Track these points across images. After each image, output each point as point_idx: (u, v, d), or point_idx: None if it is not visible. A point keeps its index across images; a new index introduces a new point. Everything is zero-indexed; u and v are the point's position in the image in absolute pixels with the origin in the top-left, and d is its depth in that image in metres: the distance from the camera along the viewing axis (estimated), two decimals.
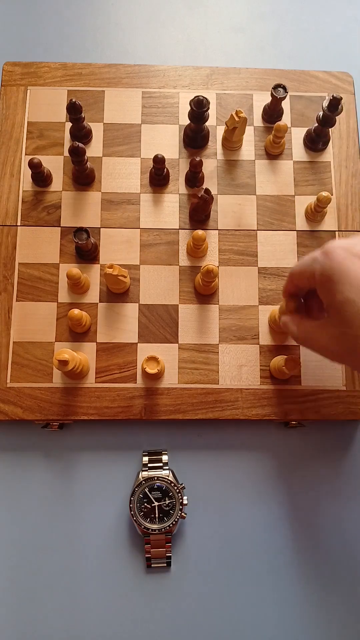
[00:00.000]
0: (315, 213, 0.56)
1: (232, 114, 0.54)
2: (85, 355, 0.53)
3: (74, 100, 0.53)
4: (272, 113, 0.59)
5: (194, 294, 0.55)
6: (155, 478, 0.51)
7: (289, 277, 0.48)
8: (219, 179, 0.58)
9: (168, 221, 0.57)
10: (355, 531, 0.54)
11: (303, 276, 0.45)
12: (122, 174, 0.58)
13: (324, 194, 0.53)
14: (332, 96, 0.53)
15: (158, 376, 0.53)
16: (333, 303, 0.41)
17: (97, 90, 0.60)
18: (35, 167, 0.54)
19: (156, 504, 0.50)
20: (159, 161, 0.54)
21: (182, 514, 0.50)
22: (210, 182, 0.58)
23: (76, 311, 0.51)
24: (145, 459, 0.52)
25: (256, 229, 0.57)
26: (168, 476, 0.51)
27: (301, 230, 0.57)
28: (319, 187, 0.58)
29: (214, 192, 0.57)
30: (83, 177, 0.56)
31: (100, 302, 0.55)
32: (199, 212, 0.55)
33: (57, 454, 0.55)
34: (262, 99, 0.60)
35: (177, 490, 0.50)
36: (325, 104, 0.54)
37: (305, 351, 0.54)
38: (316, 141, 0.58)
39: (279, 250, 0.57)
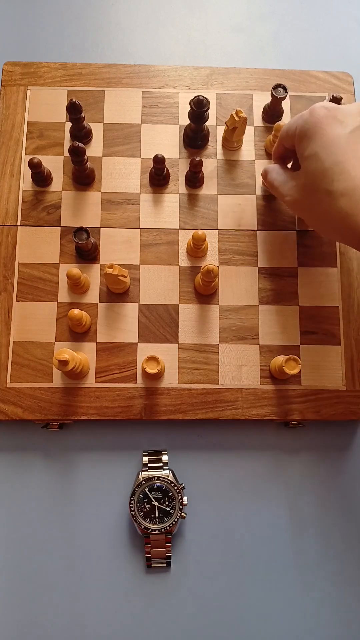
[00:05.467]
0: None
1: (232, 114, 0.54)
2: (85, 355, 0.53)
3: (74, 100, 0.53)
4: (272, 113, 0.59)
5: (194, 294, 0.55)
6: (155, 478, 0.51)
7: (279, 139, 0.51)
8: (219, 179, 0.58)
9: (168, 221, 0.57)
10: (355, 530, 0.54)
11: (289, 134, 0.48)
12: (122, 174, 0.58)
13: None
14: (332, 96, 0.53)
15: (158, 376, 0.53)
16: (302, 157, 0.46)
17: (97, 90, 0.60)
18: (35, 167, 0.54)
19: (156, 504, 0.50)
20: (159, 161, 0.54)
21: (182, 514, 0.50)
22: (210, 182, 0.58)
23: (76, 311, 0.51)
24: (145, 459, 0.52)
25: (256, 229, 0.57)
26: (168, 476, 0.51)
27: (301, 230, 0.57)
28: None
29: (213, 192, 0.58)
30: (83, 177, 0.56)
31: (100, 302, 0.55)
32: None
33: (57, 454, 0.55)
34: (262, 99, 0.60)
35: (177, 490, 0.50)
36: None
37: (306, 351, 0.54)
38: None
39: (279, 250, 0.57)
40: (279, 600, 0.52)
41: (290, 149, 0.50)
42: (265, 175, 0.53)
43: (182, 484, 0.51)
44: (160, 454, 0.52)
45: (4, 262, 0.55)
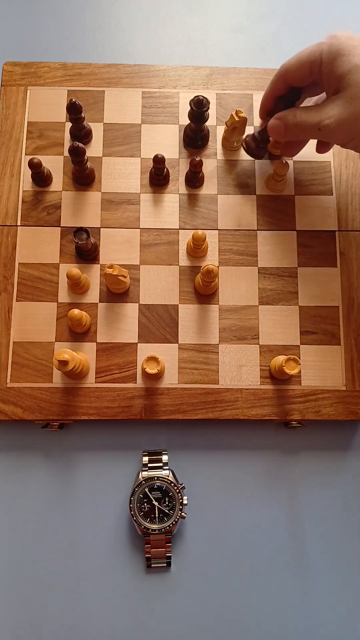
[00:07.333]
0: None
1: (232, 114, 0.54)
2: (85, 355, 0.53)
3: (74, 100, 0.53)
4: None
5: (194, 294, 0.55)
6: (155, 478, 0.51)
7: (279, 76, 0.50)
8: (219, 179, 0.58)
9: (168, 221, 0.57)
10: (355, 530, 0.54)
11: (303, 66, 0.48)
12: (122, 174, 0.58)
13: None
14: None
15: (158, 376, 0.53)
16: (339, 74, 0.45)
17: (97, 90, 0.60)
18: (35, 167, 0.54)
19: (156, 504, 0.50)
20: (159, 161, 0.54)
21: (182, 514, 0.50)
22: (210, 182, 0.58)
23: (76, 311, 0.51)
24: (145, 459, 0.52)
25: (256, 229, 0.57)
26: (168, 476, 0.51)
27: (301, 230, 0.57)
28: (319, 187, 0.58)
29: (213, 192, 0.58)
30: (83, 177, 0.56)
31: (100, 302, 0.55)
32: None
33: (57, 454, 0.55)
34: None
35: (177, 490, 0.50)
36: None
37: (306, 351, 0.54)
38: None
39: (279, 250, 0.57)
40: (279, 600, 0.52)
41: (292, 86, 0.50)
42: (281, 124, 0.50)
43: (182, 484, 0.51)
44: (160, 454, 0.52)
45: (4, 262, 0.55)
